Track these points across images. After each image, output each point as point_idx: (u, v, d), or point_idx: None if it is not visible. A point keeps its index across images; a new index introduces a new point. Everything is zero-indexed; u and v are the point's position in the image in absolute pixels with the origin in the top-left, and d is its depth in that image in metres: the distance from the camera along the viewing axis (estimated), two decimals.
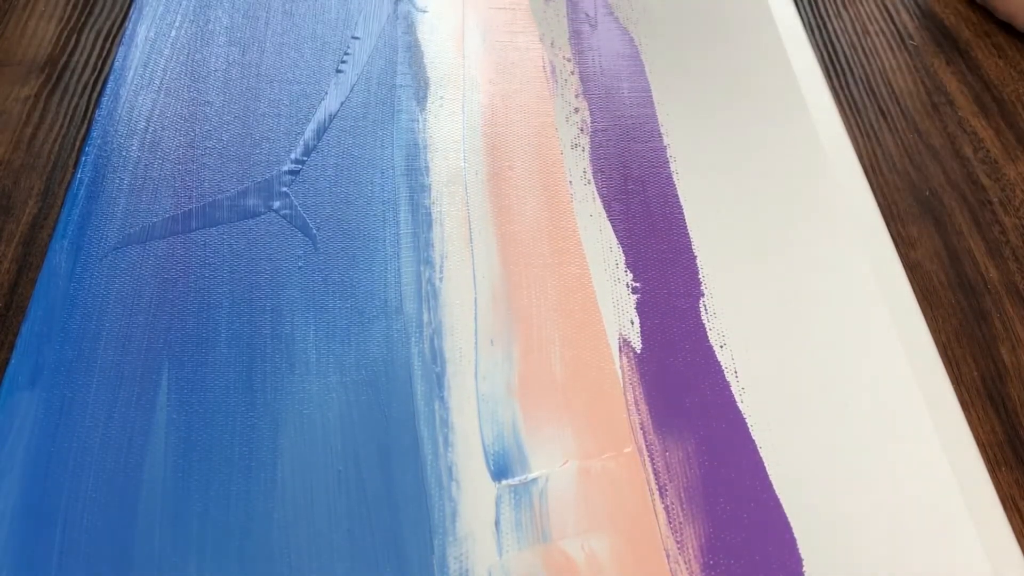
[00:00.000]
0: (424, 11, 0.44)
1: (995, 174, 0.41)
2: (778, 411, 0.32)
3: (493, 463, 0.30)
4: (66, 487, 0.28)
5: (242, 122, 0.38)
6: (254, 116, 0.38)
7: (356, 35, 0.42)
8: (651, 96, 0.42)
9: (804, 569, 0.28)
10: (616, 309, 0.34)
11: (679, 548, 0.28)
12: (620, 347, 0.33)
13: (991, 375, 0.34)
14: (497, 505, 0.29)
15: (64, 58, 0.41)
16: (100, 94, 0.39)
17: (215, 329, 0.32)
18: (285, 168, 0.37)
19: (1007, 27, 0.47)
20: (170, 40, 0.41)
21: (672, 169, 0.39)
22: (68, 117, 0.39)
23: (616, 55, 0.44)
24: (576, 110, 0.41)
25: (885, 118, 0.43)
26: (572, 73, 0.42)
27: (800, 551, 0.28)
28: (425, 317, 0.33)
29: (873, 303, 0.35)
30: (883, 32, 0.47)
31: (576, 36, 0.44)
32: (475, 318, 0.33)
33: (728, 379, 0.32)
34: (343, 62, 0.41)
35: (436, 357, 0.32)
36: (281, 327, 0.32)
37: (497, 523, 0.28)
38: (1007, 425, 0.33)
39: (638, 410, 0.31)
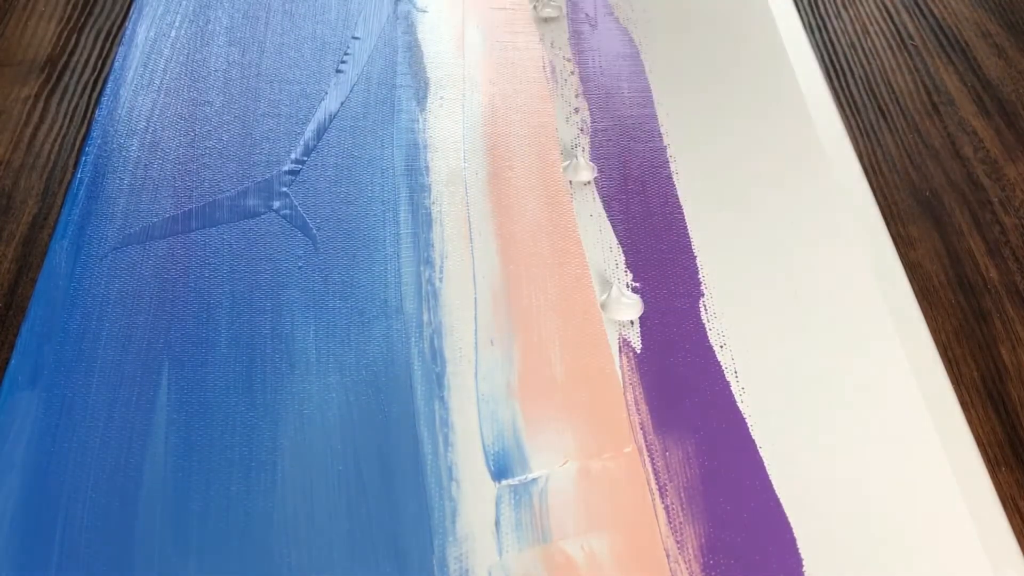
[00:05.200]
0: (424, 11, 0.44)
1: (995, 174, 0.41)
2: (778, 411, 0.32)
3: (493, 463, 0.30)
4: (66, 487, 0.28)
5: (242, 122, 0.38)
6: (254, 116, 0.38)
7: (356, 35, 0.42)
8: (651, 96, 0.42)
9: (804, 569, 0.28)
10: None
11: (679, 548, 0.28)
12: (620, 347, 0.33)
13: (991, 375, 0.34)
14: (497, 505, 0.29)
15: (64, 58, 0.41)
16: (100, 94, 0.39)
17: (215, 329, 0.32)
18: (285, 168, 0.37)
19: (1007, 27, 0.47)
20: (170, 40, 0.41)
21: (672, 169, 0.39)
22: (68, 117, 0.39)
23: (616, 55, 0.43)
24: (576, 110, 0.41)
25: (885, 118, 0.43)
26: (572, 73, 0.42)
27: (800, 551, 0.28)
28: (425, 317, 0.33)
29: (873, 303, 0.35)
30: (883, 32, 0.47)
31: (576, 36, 0.44)
32: (475, 318, 0.33)
33: (728, 379, 0.32)
34: (343, 62, 0.41)
35: (436, 357, 0.32)
36: (281, 327, 0.32)
37: (497, 523, 0.28)
38: (1007, 425, 0.33)
39: (638, 410, 0.31)
